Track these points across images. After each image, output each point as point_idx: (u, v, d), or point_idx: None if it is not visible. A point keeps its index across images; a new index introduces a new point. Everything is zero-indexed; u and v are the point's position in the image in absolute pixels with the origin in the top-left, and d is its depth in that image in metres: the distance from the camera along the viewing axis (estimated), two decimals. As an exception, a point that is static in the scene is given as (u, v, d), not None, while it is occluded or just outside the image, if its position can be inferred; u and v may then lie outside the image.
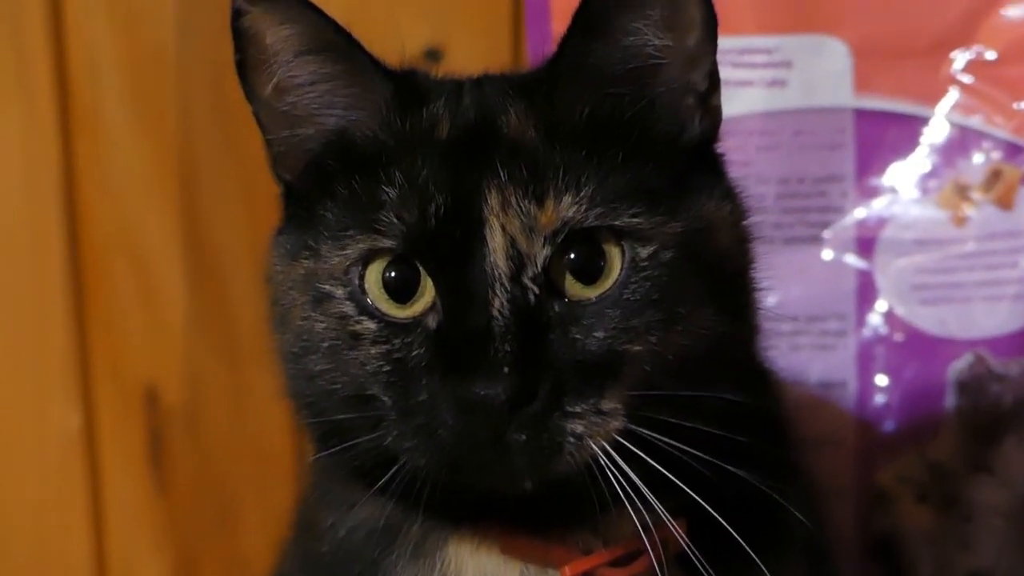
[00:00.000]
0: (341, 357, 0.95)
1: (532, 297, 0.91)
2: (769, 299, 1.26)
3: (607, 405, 0.91)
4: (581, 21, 0.95)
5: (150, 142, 1.46)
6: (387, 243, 0.93)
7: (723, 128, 1.28)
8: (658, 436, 0.91)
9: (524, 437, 0.90)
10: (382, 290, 0.94)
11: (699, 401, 0.92)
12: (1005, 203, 1.30)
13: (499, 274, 0.91)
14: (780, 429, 1.07)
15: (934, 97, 1.31)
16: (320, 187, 0.98)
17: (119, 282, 1.49)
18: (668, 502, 0.94)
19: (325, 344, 0.96)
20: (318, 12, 0.95)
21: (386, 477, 0.94)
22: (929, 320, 1.32)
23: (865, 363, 1.33)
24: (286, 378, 1.00)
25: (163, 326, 1.49)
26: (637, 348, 0.92)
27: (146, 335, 1.50)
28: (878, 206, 1.32)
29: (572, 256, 0.92)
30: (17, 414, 1.51)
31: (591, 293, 0.92)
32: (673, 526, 0.95)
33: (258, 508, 1.45)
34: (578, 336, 0.92)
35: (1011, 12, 1.30)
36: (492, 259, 0.91)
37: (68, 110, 1.46)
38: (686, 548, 0.96)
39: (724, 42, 1.24)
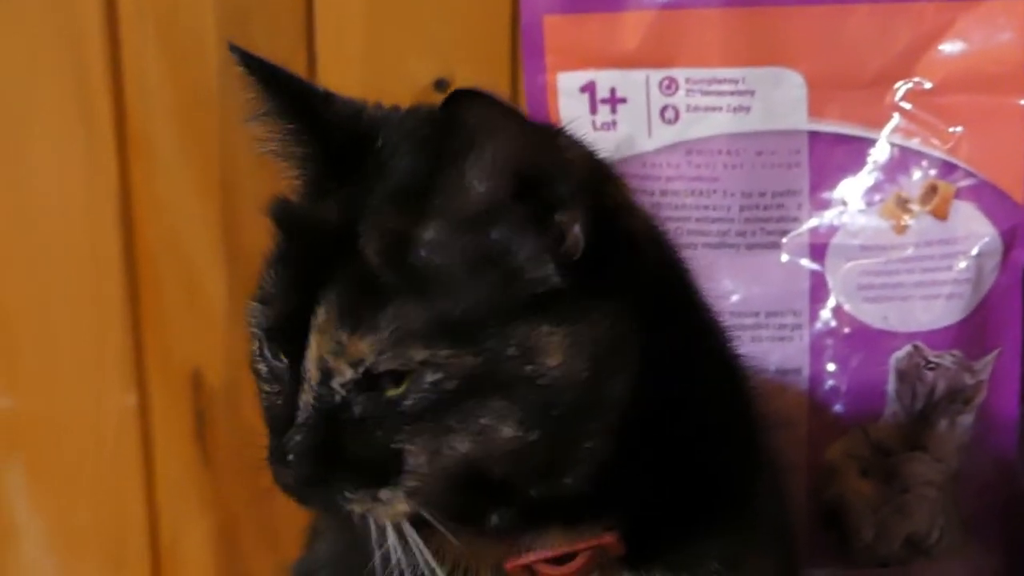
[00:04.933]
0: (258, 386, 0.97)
1: (338, 399, 0.89)
2: (733, 297, 1.32)
3: (384, 495, 0.90)
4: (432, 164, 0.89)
5: (196, 162, 1.47)
6: (259, 331, 0.93)
7: (695, 148, 1.31)
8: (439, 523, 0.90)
9: (320, 503, 0.92)
10: (268, 341, 0.94)
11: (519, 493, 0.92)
12: (940, 214, 1.31)
13: (309, 377, 0.90)
14: (747, 417, 1.04)
15: (879, 122, 1.31)
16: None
17: (168, 281, 1.49)
18: (602, 517, 0.94)
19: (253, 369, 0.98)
20: (282, 78, 0.95)
21: None
22: (873, 315, 1.32)
23: (817, 353, 1.33)
24: None
25: (207, 318, 1.50)
26: (411, 448, 0.89)
27: (192, 326, 1.50)
28: (829, 216, 1.33)
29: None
30: (80, 396, 1.51)
31: (393, 393, 0.89)
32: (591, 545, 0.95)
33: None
34: (368, 433, 0.89)
35: (946, 48, 1.30)
36: (307, 364, 0.90)
37: (125, 135, 1.46)
38: (629, 548, 0.95)
39: (697, 73, 1.31)
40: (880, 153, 1.32)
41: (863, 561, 1.34)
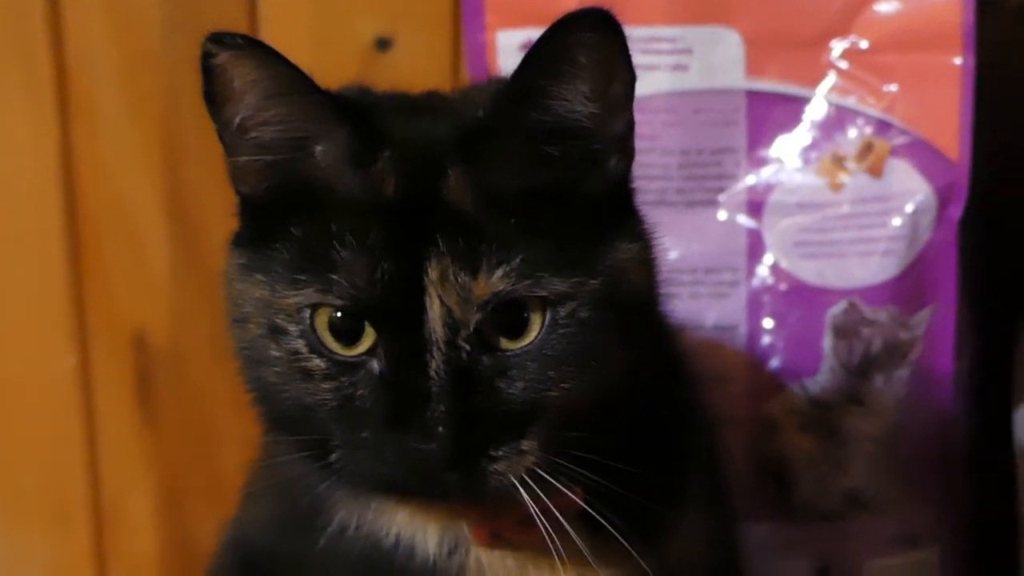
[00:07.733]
0: (294, 384, 0.91)
1: (465, 355, 0.88)
2: (672, 254, 1.29)
3: (526, 444, 0.89)
4: (515, 88, 0.89)
5: (139, 124, 1.45)
6: (337, 302, 0.88)
7: (635, 106, 1.30)
8: (567, 464, 0.89)
9: (456, 477, 0.88)
10: (328, 332, 0.89)
11: (611, 422, 0.91)
12: (876, 172, 1.30)
13: (436, 339, 0.87)
14: (678, 375, 1.05)
15: (815, 80, 1.31)
16: (275, 219, 0.92)
17: (111, 242, 1.48)
18: (567, 479, 0.92)
19: (278, 369, 0.91)
20: (282, 60, 0.89)
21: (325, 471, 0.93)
22: (809, 272, 1.32)
23: (754, 309, 1.33)
24: (239, 359, 0.95)
25: (150, 279, 1.48)
26: (553, 395, 0.89)
27: (135, 287, 1.49)
28: (766, 174, 1.32)
29: (501, 317, 0.88)
30: (22, 357, 1.51)
31: (515, 346, 0.89)
32: (570, 494, 0.93)
33: (236, 437, 1.35)
34: (502, 386, 0.89)
35: (882, 8, 1.29)
36: (431, 326, 0.87)
37: (67, 97, 1.45)
38: (586, 508, 0.94)
39: (635, 32, 1.24)
40: (817, 111, 1.31)
41: (803, 515, 1.34)
